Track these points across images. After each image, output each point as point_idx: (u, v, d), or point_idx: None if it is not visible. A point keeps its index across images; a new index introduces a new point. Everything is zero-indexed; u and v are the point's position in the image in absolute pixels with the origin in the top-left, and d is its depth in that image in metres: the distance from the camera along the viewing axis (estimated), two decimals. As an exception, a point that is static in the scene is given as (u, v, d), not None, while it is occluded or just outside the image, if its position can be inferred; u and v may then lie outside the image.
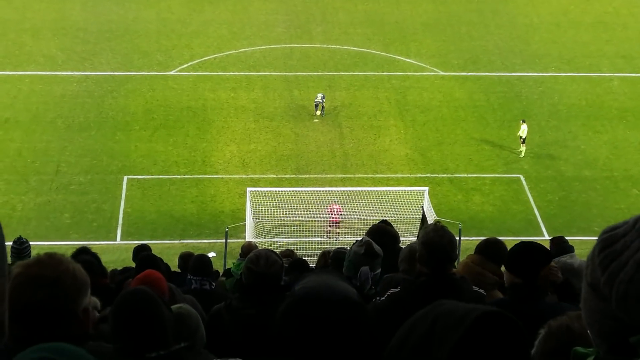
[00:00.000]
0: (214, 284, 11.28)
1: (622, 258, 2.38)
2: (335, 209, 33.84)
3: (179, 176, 37.03)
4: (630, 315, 2.36)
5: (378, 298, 6.90)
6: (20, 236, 13.35)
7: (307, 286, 3.31)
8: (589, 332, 2.52)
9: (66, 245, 30.81)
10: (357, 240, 8.14)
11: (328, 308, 3.06)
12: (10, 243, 13.35)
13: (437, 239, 6.69)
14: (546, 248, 7.75)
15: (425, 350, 2.48)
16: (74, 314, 4.08)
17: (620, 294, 2.36)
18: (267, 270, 6.68)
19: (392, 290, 6.83)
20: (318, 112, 40.92)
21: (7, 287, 2.29)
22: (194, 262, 11.38)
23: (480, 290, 7.16)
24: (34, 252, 13.06)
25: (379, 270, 7.89)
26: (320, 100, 40.87)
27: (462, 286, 6.79)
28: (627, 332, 2.39)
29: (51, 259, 4.12)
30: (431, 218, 31.52)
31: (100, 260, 12.66)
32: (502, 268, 9.23)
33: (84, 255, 12.16)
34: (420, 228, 25.87)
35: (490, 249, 9.05)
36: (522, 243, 7.61)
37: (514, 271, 7.29)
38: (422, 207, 29.80)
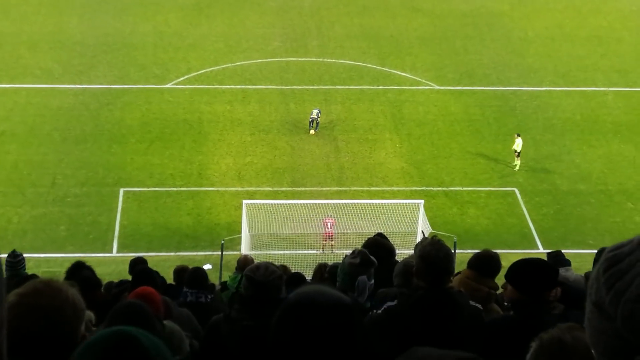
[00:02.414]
0: (209, 296, 11.32)
1: (627, 277, 2.38)
2: (329, 223, 33.88)
3: (175, 188, 37.06)
4: (636, 335, 2.35)
5: (374, 311, 6.90)
6: (14, 250, 13.28)
7: (300, 291, 3.32)
8: (592, 351, 2.50)
9: (62, 257, 30.83)
10: (348, 254, 8.15)
11: (322, 311, 3.08)
12: (4, 256, 13.35)
13: (434, 253, 6.71)
14: (553, 267, 7.55)
15: None
16: (74, 341, 3.99)
17: (626, 313, 2.35)
18: (267, 279, 6.74)
19: (389, 303, 6.84)
20: (312, 131, 40.76)
21: (5, 314, 2.24)
22: (190, 275, 11.42)
23: (477, 305, 7.14)
24: (30, 265, 13.11)
25: (373, 281, 7.91)
26: (316, 117, 40.77)
27: (460, 300, 6.79)
28: (633, 351, 2.38)
29: (49, 288, 4.02)
30: (427, 231, 31.56)
31: (95, 272, 12.73)
32: (499, 279, 9.26)
33: (84, 270, 12.22)
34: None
35: (483, 263, 9.09)
36: (528, 261, 7.43)
37: (520, 289, 7.15)
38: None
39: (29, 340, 3.88)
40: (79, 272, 11.85)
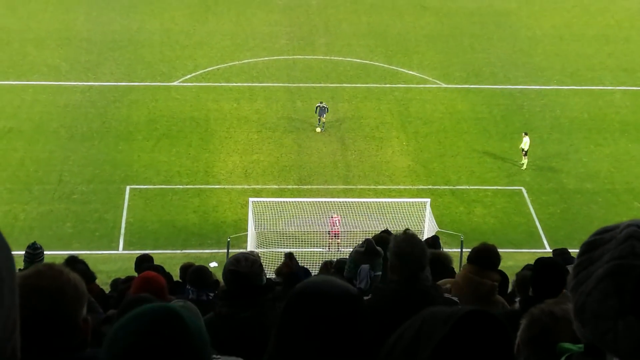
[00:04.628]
0: (211, 294, 11.32)
1: (592, 268, 2.37)
2: (336, 221, 33.87)
3: (181, 186, 37.08)
4: (585, 328, 2.36)
5: None
6: (34, 242, 13.61)
7: (308, 281, 3.34)
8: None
9: (68, 254, 30.80)
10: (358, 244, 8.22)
11: (327, 301, 3.10)
12: (21, 252, 13.49)
13: (409, 250, 6.67)
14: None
15: (413, 352, 2.47)
16: (75, 324, 4.04)
17: (579, 305, 2.37)
18: (250, 270, 6.78)
19: (365, 297, 6.86)
20: (318, 129, 40.71)
21: (19, 317, 2.23)
22: (192, 274, 11.45)
23: (453, 297, 7.17)
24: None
25: (380, 272, 7.93)
26: (325, 106, 40.75)
27: (433, 293, 6.80)
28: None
29: (51, 270, 4.06)
30: (433, 229, 31.56)
31: (89, 266, 12.85)
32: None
33: (77, 264, 12.33)
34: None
35: (483, 256, 9.11)
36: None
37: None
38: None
39: (30, 322, 3.88)
40: (73, 266, 11.87)
